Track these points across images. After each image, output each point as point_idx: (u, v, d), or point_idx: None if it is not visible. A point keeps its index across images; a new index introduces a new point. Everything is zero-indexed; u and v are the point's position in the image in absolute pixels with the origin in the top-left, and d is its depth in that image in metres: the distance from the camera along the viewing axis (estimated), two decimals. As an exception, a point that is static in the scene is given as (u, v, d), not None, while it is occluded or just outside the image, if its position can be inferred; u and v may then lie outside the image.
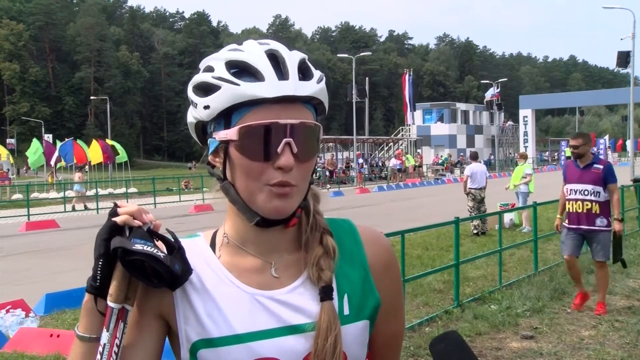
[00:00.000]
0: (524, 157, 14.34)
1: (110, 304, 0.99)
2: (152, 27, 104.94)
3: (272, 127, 0.99)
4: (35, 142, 33.36)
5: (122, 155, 34.57)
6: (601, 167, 6.55)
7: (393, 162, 38.70)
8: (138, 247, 0.95)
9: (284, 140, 1.00)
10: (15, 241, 15.08)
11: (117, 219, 1.00)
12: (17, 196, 27.89)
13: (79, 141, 35.60)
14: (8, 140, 60.88)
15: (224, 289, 1.06)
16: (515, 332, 6.08)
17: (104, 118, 72.04)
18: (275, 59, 1.03)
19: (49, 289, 8.08)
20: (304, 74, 1.05)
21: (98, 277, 0.99)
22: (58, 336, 5.89)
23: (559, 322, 6.36)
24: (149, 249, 0.96)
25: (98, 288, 0.99)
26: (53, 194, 28.47)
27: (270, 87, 1.00)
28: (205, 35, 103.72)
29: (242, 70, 1.02)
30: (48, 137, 43.56)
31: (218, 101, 1.01)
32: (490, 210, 12.72)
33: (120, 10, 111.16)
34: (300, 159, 1.01)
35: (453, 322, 6.44)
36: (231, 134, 1.01)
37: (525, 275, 8.50)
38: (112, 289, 0.99)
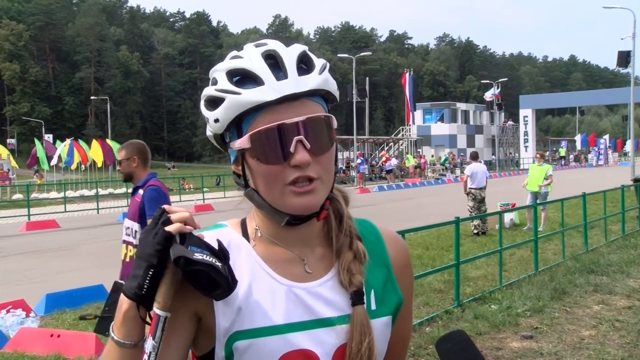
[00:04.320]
0: (544, 157, 14.21)
1: (158, 312, 0.97)
2: (152, 27, 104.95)
3: (280, 129, 1.00)
4: (38, 145, 33.35)
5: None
6: (142, 192, 4.13)
7: (394, 162, 38.77)
8: (198, 256, 0.93)
9: (295, 138, 1.01)
10: (15, 241, 15.08)
11: (172, 229, 0.96)
12: (17, 196, 27.91)
13: (79, 141, 35.63)
14: (8, 141, 60.90)
15: (260, 281, 1.07)
16: (516, 332, 6.08)
17: (104, 118, 72.15)
18: (273, 59, 1.04)
19: (49, 289, 8.07)
20: (307, 66, 1.05)
21: (145, 286, 0.97)
22: (58, 336, 5.88)
23: (559, 322, 6.36)
24: (208, 258, 0.94)
25: (143, 296, 0.98)
26: (53, 194, 28.49)
27: (270, 89, 1.00)
28: (205, 35, 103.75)
29: (244, 77, 1.03)
30: (48, 137, 43.61)
31: (224, 113, 1.03)
32: (491, 210, 12.74)
33: (120, 10, 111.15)
34: (315, 154, 1.03)
35: (453, 322, 6.44)
36: (243, 142, 1.03)
37: (526, 275, 8.50)
38: (161, 297, 0.97)
